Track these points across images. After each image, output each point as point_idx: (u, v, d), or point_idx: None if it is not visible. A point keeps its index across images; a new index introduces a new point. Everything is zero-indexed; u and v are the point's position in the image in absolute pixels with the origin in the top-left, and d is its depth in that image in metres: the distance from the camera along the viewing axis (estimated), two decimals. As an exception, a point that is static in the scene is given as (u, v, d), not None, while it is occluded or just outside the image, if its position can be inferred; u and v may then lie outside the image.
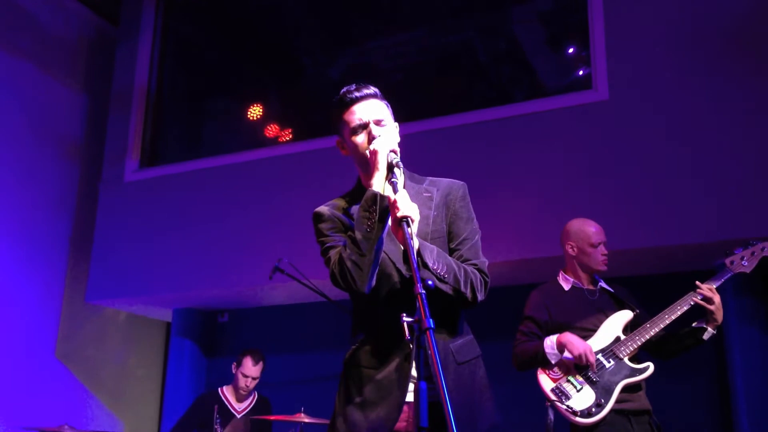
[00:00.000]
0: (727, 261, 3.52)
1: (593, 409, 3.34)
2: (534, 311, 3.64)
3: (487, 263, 2.33)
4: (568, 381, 3.43)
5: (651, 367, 3.43)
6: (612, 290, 3.69)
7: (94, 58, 7.15)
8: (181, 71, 7.45)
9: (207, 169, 6.34)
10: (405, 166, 2.27)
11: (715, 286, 3.45)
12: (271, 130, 6.71)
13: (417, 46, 6.51)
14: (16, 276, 6.07)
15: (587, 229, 3.69)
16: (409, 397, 2.17)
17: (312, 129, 6.38)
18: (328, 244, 2.28)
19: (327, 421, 4.61)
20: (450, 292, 2.16)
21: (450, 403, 1.65)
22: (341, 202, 2.37)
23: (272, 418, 4.90)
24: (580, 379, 3.41)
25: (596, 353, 3.42)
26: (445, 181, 2.41)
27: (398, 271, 2.23)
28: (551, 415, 3.40)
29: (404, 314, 1.82)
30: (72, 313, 6.52)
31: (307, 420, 4.53)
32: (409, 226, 2.00)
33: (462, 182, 2.43)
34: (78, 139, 6.91)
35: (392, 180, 2.13)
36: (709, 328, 3.43)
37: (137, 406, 7.03)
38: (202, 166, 6.40)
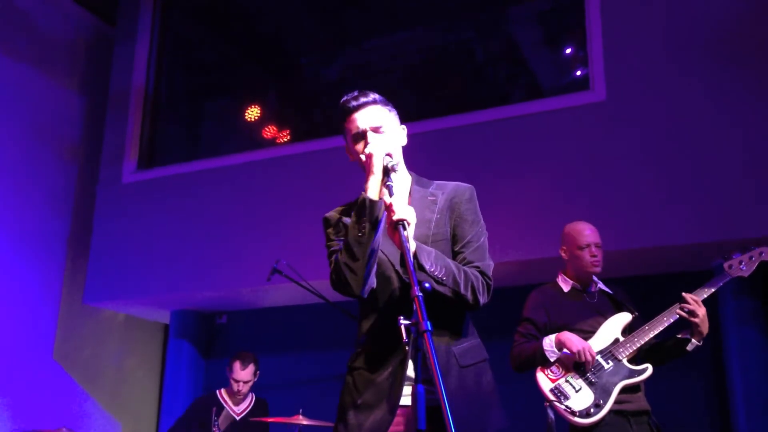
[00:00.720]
0: (725, 265, 3.52)
1: (592, 410, 3.34)
2: (533, 313, 3.65)
3: (492, 266, 2.33)
4: (567, 381, 3.43)
5: (650, 368, 3.43)
6: (611, 292, 3.69)
7: (91, 58, 7.14)
8: (178, 72, 7.44)
9: (205, 171, 6.34)
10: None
11: (713, 290, 3.45)
12: (269, 131, 6.71)
13: (414, 46, 6.51)
14: (13, 277, 6.07)
15: (575, 232, 3.71)
16: (406, 400, 2.17)
17: (310, 130, 6.38)
18: (332, 248, 2.31)
19: (326, 423, 4.63)
20: (449, 294, 2.16)
21: (452, 407, 1.65)
22: (348, 207, 2.39)
23: (270, 420, 4.90)
24: (579, 379, 3.42)
25: (595, 354, 3.42)
26: (451, 185, 2.42)
27: (398, 273, 2.24)
28: (552, 415, 3.40)
29: (401, 317, 1.82)
30: (70, 314, 6.51)
31: (305, 422, 4.52)
32: (405, 229, 2.01)
33: (469, 185, 2.44)
34: (75, 140, 6.90)
35: (388, 183, 2.14)
36: (694, 340, 3.41)
37: (135, 408, 7.02)
38: (200, 167, 6.40)
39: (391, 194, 2.10)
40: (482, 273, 2.27)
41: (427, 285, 1.91)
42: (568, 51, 5.95)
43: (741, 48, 4.78)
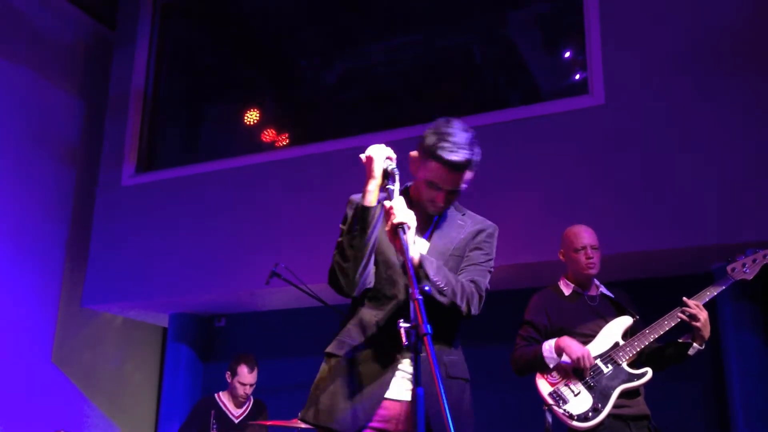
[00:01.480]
0: (729, 268, 3.51)
1: (590, 414, 3.34)
2: (534, 316, 3.65)
3: (486, 287, 2.37)
4: (566, 385, 3.43)
5: (649, 372, 3.42)
6: (612, 296, 3.69)
7: (91, 62, 7.14)
8: (178, 75, 7.45)
9: (204, 174, 6.34)
10: (401, 171, 2.27)
11: (715, 293, 3.45)
12: (269, 134, 6.71)
13: (413, 50, 6.52)
14: (12, 280, 6.06)
15: (572, 234, 3.72)
16: (401, 395, 2.23)
17: (309, 133, 6.38)
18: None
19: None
20: (446, 303, 2.19)
21: (434, 412, 1.67)
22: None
23: (269, 423, 4.89)
24: (578, 383, 3.42)
25: (595, 358, 3.42)
26: (480, 218, 2.50)
27: (406, 272, 2.25)
28: (549, 419, 3.40)
29: (401, 320, 1.83)
30: (68, 317, 6.51)
31: (303, 425, 4.51)
32: (404, 233, 2.02)
33: (494, 225, 2.50)
34: (75, 143, 6.91)
35: (387, 187, 2.16)
36: (695, 344, 3.40)
37: (133, 411, 7.01)
38: (199, 170, 6.40)
39: (391, 197, 2.11)
40: (477, 287, 2.32)
41: (427, 288, 1.92)
42: (567, 55, 5.96)
43: (739, 52, 4.79)
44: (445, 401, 1.69)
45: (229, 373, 5.07)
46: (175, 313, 6.73)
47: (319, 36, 7.06)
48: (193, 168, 6.48)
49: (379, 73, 6.63)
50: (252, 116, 6.84)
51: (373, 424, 2.22)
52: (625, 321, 3.57)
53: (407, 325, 1.82)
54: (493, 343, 5.27)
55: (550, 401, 3.41)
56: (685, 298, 3.40)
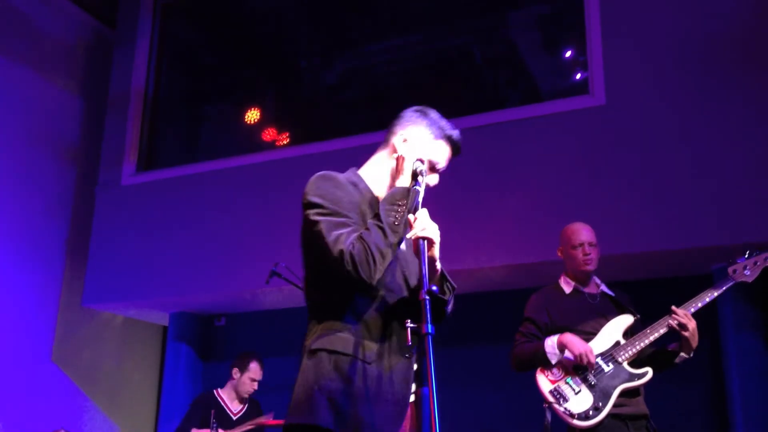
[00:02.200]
0: (730, 270, 3.51)
1: (591, 412, 3.34)
2: (534, 313, 3.65)
3: None
4: (567, 383, 3.44)
5: (650, 372, 3.43)
6: (613, 294, 3.69)
7: (91, 61, 7.14)
8: (178, 75, 7.45)
9: (204, 173, 6.34)
10: None
11: (716, 294, 3.45)
12: (269, 133, 6.72)
13: (414, 50, 6.52)
14: (12, 279, 6.06)
15: (570, 231, 3.74)
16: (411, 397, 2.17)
17: (309, 133, 6.38)
18: (339, 220, 2.10)
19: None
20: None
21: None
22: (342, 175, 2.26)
23: (268, 422, 4.89)
24: (579, 381, 3.42)
25: (596, 356, 3.43)
26: None
27: (401, 270, 2.22)
28: (549, 417, 3.41)
29: (409, 320, 1.84)
30: (68, 316, 6.51)
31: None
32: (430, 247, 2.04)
33: None
34: (75, 142, 6.91)
35: (415, 188, 2.14)
36: (682, 353, 3.41)
37: (133, 410, 7.01)
38: (200, 170, 6.40)
39: (415, 201, 2.11)
40: None
41: (434, 288, 1.92)
42: (568, 55, 5.96)
43: (741, 52, 4.80)
44: (435, 403, 1.69)
45: (236, 369, 5.10)
46: (175, 312, 6.73)
47: (319, 36, 7.06)
48: (193, 167, 6.48)
49: (379, 73, 6.63)
50: (252, 116, 6.84)
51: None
52: (626, 320, 3.57)
53: (414, 325, 1.83)
54: (491, 343, 5.28)
55: (551, 399, 3.42)
56: (673, 307, 3.40)
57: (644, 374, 3.43)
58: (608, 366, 3.44)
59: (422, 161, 2.22)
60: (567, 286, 3.72)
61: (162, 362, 7.13)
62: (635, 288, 4.29)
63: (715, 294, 3.46)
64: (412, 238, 2.04)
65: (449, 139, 2.31)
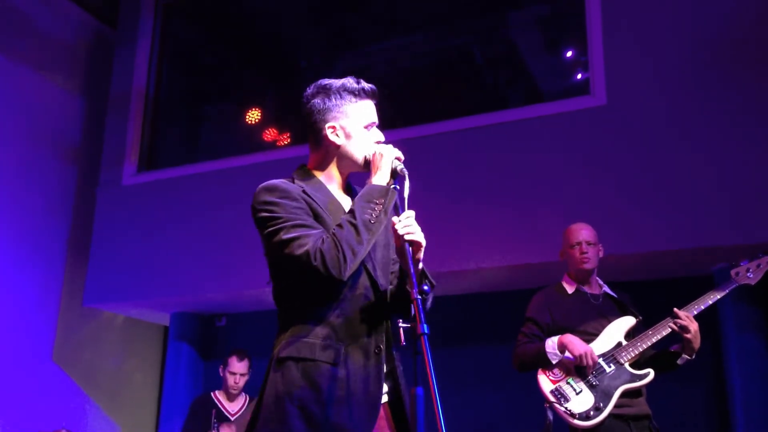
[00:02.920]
0: (733, 272, 3.50)
1: (592, 413, 3.34)
2: (536, 313, 3.66)
3: None
4: (568, 383, 3.44)
5: (651, 373, 3.43)
6: (616, 296, 3.69)
7: (92, 61, 7.15)
8: (179, 75, 7.45)
9: (205, 173, 6.34)
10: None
11: (718, 296, 3.45)
12: (269, 133, 6.72)
13: (414, 50, 6.52)
14: (13, 279, 6.06)
15: (569, 231, 3.77)
16: (384, 397, 2.16)
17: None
18: (296, 222, 2.08)
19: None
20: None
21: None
22: (297, 187, 2.21)
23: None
24: (580, 382, 3.42)
25: (597, 357, 3.43)
26: None
27: (365, 268, 2.18)
28: (550, 416, 3.41)
29: (400, 320, 1.83)
30: (69, 316, 6.51)
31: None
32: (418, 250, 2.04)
33: None
34: (76, 142, 6.91)
35: (394, 186, 2.14)
36: (684, 355, 3.41)
37: (134, 410, 7.01)
38: (201, 170, 6.40)
39: (401, 199, 2.11)
40: None
41: (426, 287, 1.91)
42: (569, 55, 5.96)
43: (741, 53, 4.79)
44: (439, 405, 1.69)
45: (221, 367, 5.18)
46: (176, 312, 6.74)
47: (319, 36, 7.07)
48: (194, 167, 6.48)
49: (379, 73, 6.62)
50: (253, 116, 6.85)
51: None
52: (627, 321, 3.57)
53: (406, 324, 1.82)
54: (492, 344, 5.28)
55: (552, 399, 3.42)
56: (676, 309, 3.40)
57: (646, 375, 3.43)
58: (610, 367, 3.44)
59: (400, 159, 2.19)
60: (569, 287, 3.72)
61: (163, 362, 7.14)
62: (635, 288, 4.28)
63: (718, 296, 3.46)
64: (401, 238, 2.03)
65: (363, 92, 2.29)
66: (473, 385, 5.59)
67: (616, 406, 3.37)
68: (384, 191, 2.11)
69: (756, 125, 4.65)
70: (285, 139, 6.67)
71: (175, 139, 7.39)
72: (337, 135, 2.26)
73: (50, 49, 6.75)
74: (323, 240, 2.02)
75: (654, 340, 3.45)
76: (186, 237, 6.13)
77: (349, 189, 2.34)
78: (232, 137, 7.20)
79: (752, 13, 4.83)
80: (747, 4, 4.89)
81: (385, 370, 2.12)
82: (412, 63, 6.54)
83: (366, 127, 2.27)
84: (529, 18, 6.32)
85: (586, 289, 3.70)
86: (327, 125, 2.25)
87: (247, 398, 5.23)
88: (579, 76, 5.66)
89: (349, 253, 2.01)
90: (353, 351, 2.08)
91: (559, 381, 3.47)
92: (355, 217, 2.05)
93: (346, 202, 2.26)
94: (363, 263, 2.14)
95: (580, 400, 3.39)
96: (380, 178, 2.15)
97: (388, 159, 2.17)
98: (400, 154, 2.22)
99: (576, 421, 3.35)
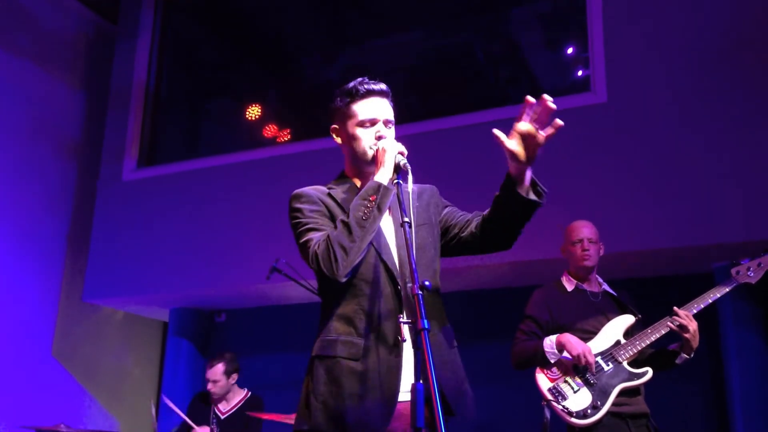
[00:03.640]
0: (733, 271, 3.49)
1: (589, 411, 3.34)
2: (535, 311, 3.65)
3: None
4: (566, 382, 3.44)
5: (649, 372, 3.43)
6: (615, 294, 3.69)
7: (92, 56, 7.15)
8: (179, 70, 7.45)
9: (205, 169, 6.34)
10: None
11: (718, 295, 3.44)
12: (270, 130, 6.72)
13: (416, 47, 6.52)
14: (13, 274, 6.07)
15: (570, 228, 3.77)
16: (405, 396, 2.11)
17: (310, 129, 6.38)
18: (310, 225, 2.21)
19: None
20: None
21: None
22: (324, 191, 2.32)
23: (267, 417, 4.88)
24: (578, 380, 3.42)
25: (596, 356, 3.43)
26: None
27: (384, 264, 2.20)
28: (548, 415, 3.41)
29: (401, 316, 1.82)
30: (69, 311, 6.51)
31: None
32: (410, 227, 2.03)
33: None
34: (76, 137, 6.91)
35: (397, 181, 2.15)
36: (683, 354, 3.41)
37: (133, 405, 7.02)
38: (201, 165, 6.40)
39: (401, 192, 2.11)
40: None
41: (427, 283, 1.91)
42: (570, 52, 5.95)
43: (742, 50, 4.78)
44: (438, 403, 1.69)
45: None
46: (175, 307, 6.74)
47: (320, 32, 7.06)
48: (195, 163, 6.49)
49: (380, 70, 6.60)
50: (253, 112, 6.85)
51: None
52: (626, 319, 3.57)
53: (407, 320, 1.82)
54: (492, 340, 5.27)
55: (549, 397, 3.42)
56: (675, 308, 3.40)
57: (644, 374, 3.43)
58: (608, 365, 3.44)
59: (403, 154, 2.20)
60: (569, 284, 3.72)
61: (162, 357, 7.14)
62: (635, 286, 4.29)
63: (718, 295, 3.45)
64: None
65: (356, 92, 2.31)
66: (472, 382, 5.58)
67: (614, 404, 3.36)
68: (376, 188, 2.12)
69: (757, 122, 4.65)
70: (285, 135, 6.67)
71: (176, 135, 7.39)
72: (338, 136, 2.38)
73: (51, 44, 6.74)
74: (319, 243, 2.12)
75: (653, 338, 3.45)
76: (186, 233, 6.14)
77: None
78: (233, 133, 7.21)
79: (754, 10, 4.82)
80: (748, 0, 4.88)
81: (411, 364, 2.05)
82: (413, 60, 6.54)
83: (362, 125, 2.29)
84: (530, 15, 6.32)
85: (585, 286, 3.70)
86: (330, 128, 2.39)
87: (248, 395, 5.20)
88: (580, 73, 5.66)
89: (340, 252, 2.06)
90: (373, 345, 2.11)
91: (556, 379, 3.46)
92: (348, 216, 2.11)
93: None
94: (381, 258, 2.18)
95: (577, 398, 3.39)
96: (382, 173, 2.16)
97: (390, 154, 2.18)
98: (402, 148, 2.22)
99: (573, 420, 3.35)
